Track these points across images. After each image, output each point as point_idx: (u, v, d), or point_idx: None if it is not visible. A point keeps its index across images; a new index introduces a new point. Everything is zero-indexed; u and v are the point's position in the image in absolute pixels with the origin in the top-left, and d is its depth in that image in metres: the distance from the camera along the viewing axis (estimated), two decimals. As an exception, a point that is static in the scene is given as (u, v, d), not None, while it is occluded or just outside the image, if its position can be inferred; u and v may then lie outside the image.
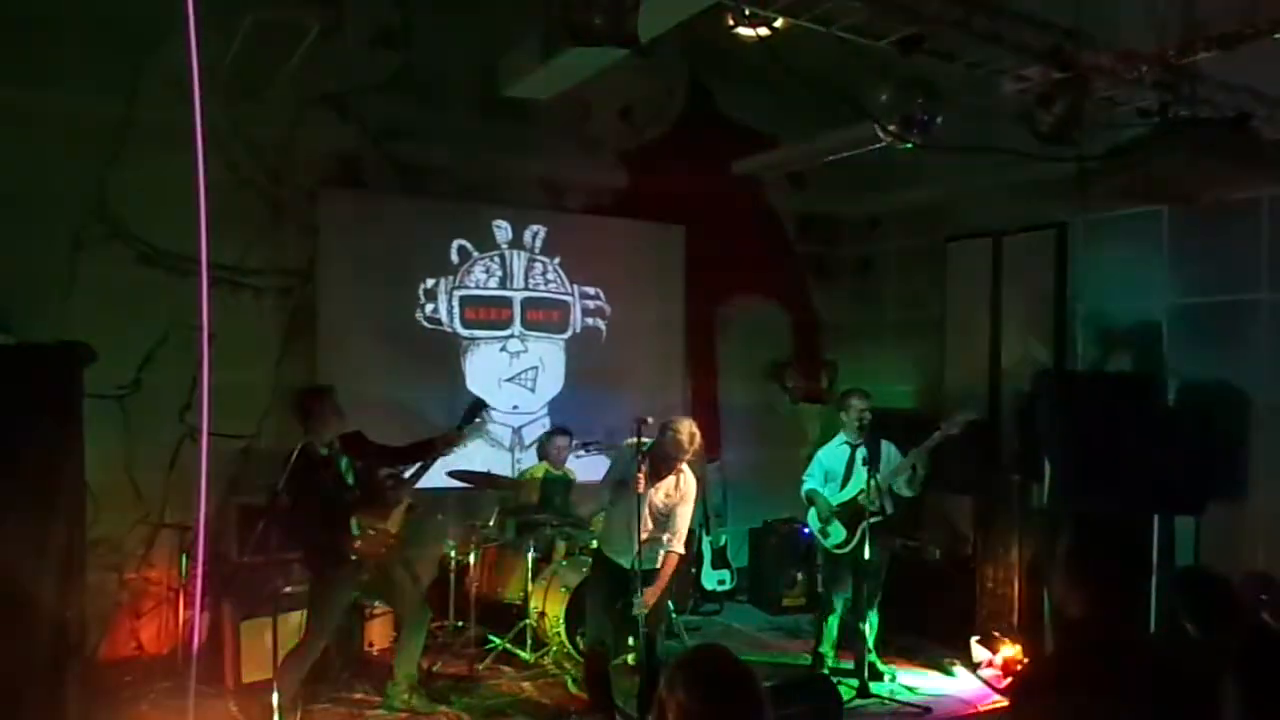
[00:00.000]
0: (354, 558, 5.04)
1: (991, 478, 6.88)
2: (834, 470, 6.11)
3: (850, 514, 5.96)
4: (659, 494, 5.10)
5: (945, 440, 5.82)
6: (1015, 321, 7.22)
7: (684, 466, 5.17)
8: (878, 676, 5.98)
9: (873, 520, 5.84)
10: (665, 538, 5.10)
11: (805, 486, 6.17)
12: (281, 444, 6.29)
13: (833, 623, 6.13)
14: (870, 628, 6.02)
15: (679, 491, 5.15)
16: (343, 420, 5.20)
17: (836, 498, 6.04)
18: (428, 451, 5.30)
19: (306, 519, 5.11)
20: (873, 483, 5.79)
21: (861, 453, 5.97)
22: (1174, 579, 3.58)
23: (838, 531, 6.00)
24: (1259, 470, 5.73)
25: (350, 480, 5.18)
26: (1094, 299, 6.71)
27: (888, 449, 6.02)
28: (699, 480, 5.38)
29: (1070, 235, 6.82)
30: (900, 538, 7.08)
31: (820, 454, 6.24)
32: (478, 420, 5.57)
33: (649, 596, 4.93)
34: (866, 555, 5.85)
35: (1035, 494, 6.32)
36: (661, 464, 5.04)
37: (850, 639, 6.09)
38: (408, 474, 5.26)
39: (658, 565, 5.08)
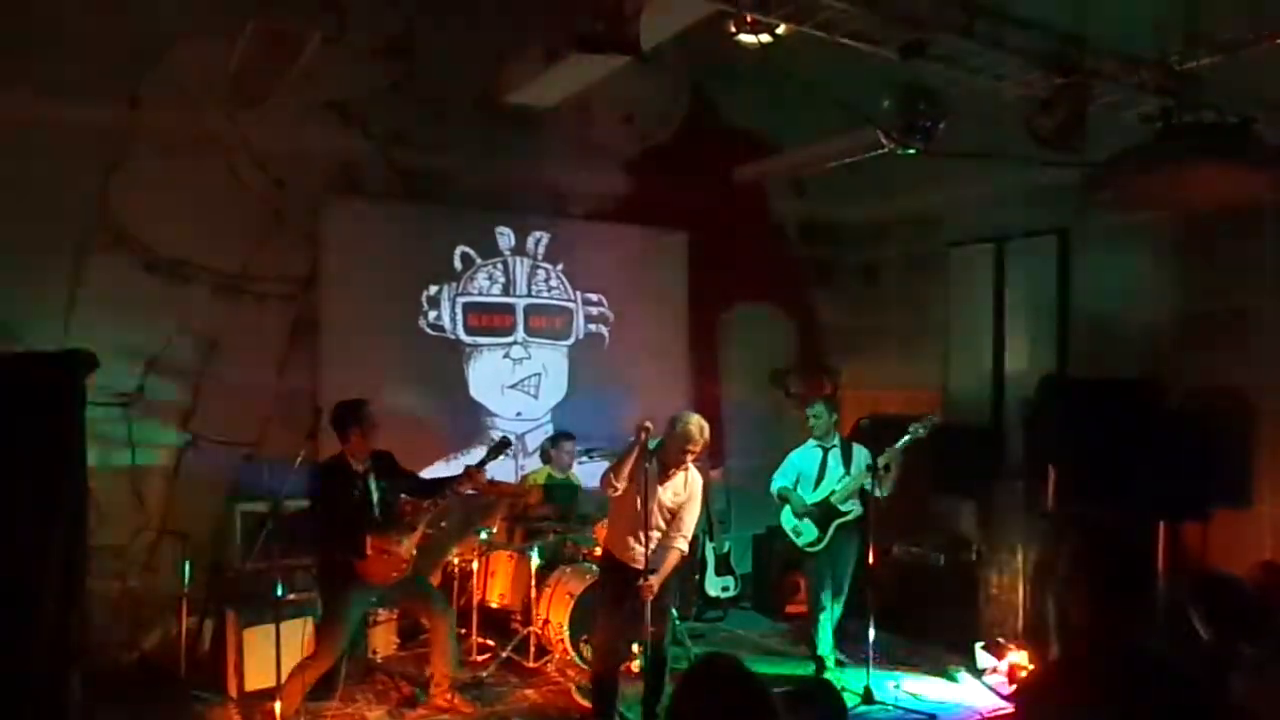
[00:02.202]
0: (363, 578, 5.07)
1: (996, 483, 6.86)
2: (806, 472, 6.30)
3: (822, 513, 6.18)
4: (667, 493, 5.11)
5: (914, 443, 5.97)
6: (1018, 328, 7.21)
7: (690, 465, 5.17)
8: (824, 667, 6.22)
9: (844, 519, 6.15)
10: (671, 535, 5.13)
11: (775, 485, 6.35)
12: (284, 451, 6.31)
13: (826, 623, 6.27)
14: (832, 616, 6.28)
15: (686, 490, 5.17)
16: (378, 435, 5.26)
17: (810, 497, 6.23)
18: (450, 486, 5.35)
19: (325, 531, 5.13)
20: (870, 476, 6.00)
21: (835, 455, 6.25)
22: (1191, 583, 3.56)
23: (809, 530, 6.21)
24: (1263, 475, 5.71)
25: (374, 499, 5.21)
26: (1097, 304, 6.70)
27: (860, 452, 6.24)
28: (703, 485, 5.39)
29: (1073, 241, 6.82)
30: (903, 543, 7.11)
31: (793, 455, 6.41)
32: (502, 458, 5.61)
33: (654, 581, 4.95)
34: (839, 549, 6.19)
35: (1040, 499, 6.31)
36: (671, 459, 5.03)
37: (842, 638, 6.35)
38: (426, 503, 5.29)
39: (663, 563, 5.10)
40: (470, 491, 5.55)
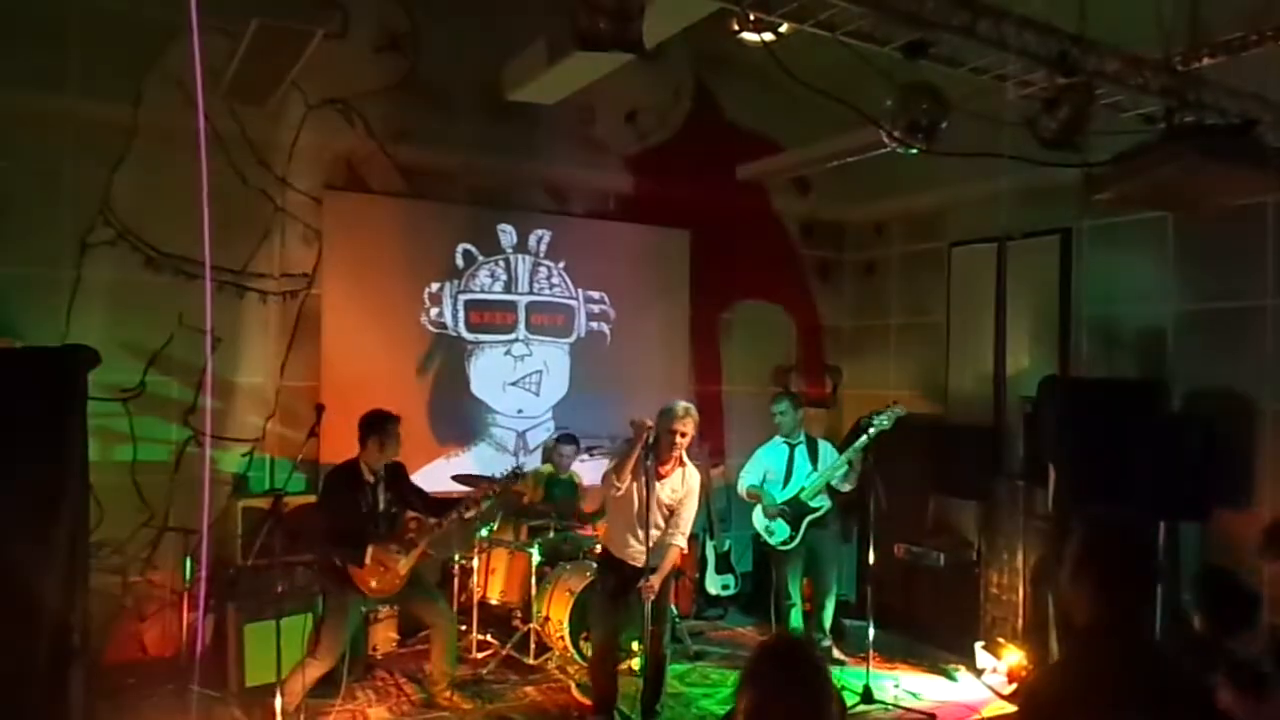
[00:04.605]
0: (359, 586, 5.10)
1: (996, 483, 6.86)
2: (774, 469, 6.38)
3: (793, 511, 6.27)
4: (665, 489, 5.11)
5: (879, 435, 5.99)
6: (1020, 328, 7.21)
7: (687, 460, 5.19)
8: (836, 664, 6.29)
9: (815, 515, 6.25)
10: (670, 532, 5.14)
11: (744, 484, 6.44)
12: (286, 448, 6.33)
13: (796, 615, 6.38)
14: (826, 617, 6.44)
15: (685, 485, 5.19)
16: (396, 451, 5.31)
17: (780, 495, 6.31)
18: (457, 509, 5.38)
19: (328, 534, 5.15)
20: (843, 470, 6.18)
21: (801, 451, 6.36)
22: (1199, 576, 3.57)
23: (782, 529, 6.31)
24: (1265, 476, 5.71)
25: (381, 510, 5.24)
26: (1099, 305, 6.70)
27: (824, 447, 6.38)
28: (703, 485, 5.40)
29: (1075, 241, 6.81)
30: (903, 543, 7.12)
31: (760, 453, 6.51)
32: (515, 487, 5.67)
33: (654, 581, 4.96)
34: (815, 546, 6.30)
35: (1040, 500, 6.31)
36: (664, 449, 5.04)
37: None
38: (431, 523, 5.31)
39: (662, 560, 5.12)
40: (473, 515, 5.58)
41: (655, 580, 4.97)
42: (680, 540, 5.17)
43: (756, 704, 2.23)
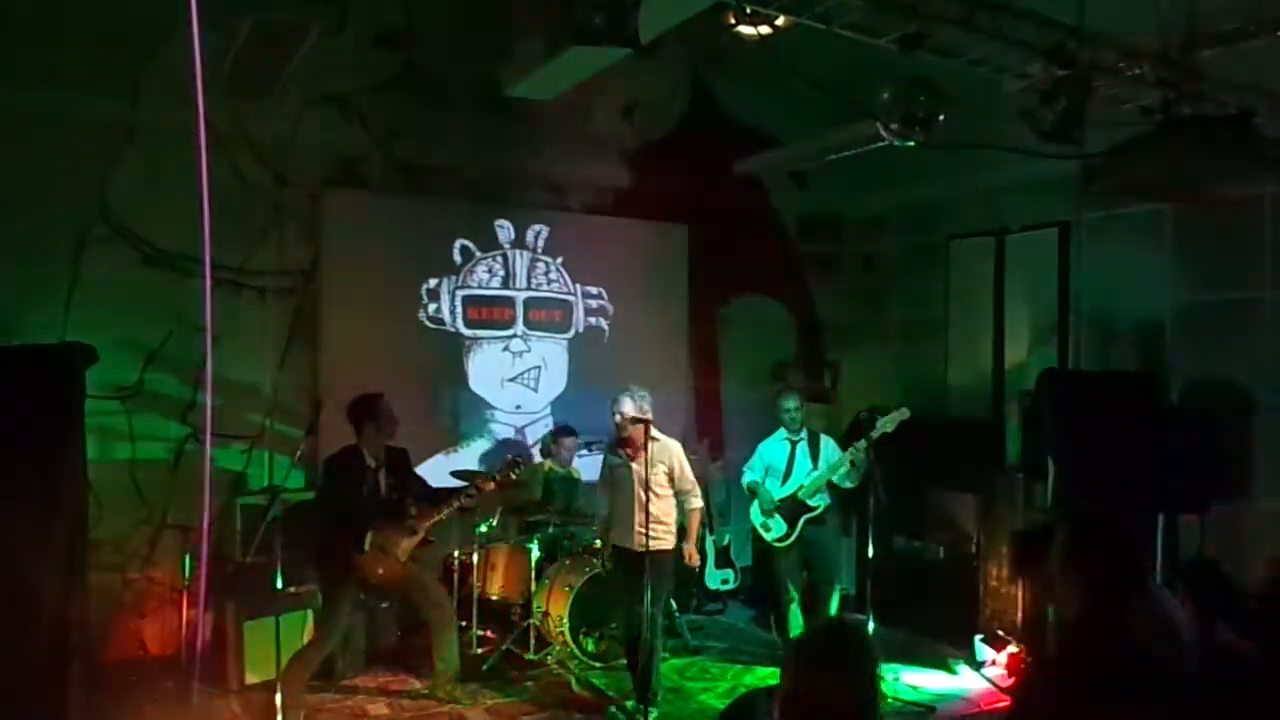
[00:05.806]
0: (358, 573, 5.10)
1: (995, 476, 6.86)
2: (775, 465, 6.35)
3: (790, 509, 6.20)
4: (642, 464, 5.21)
5: (881, 438, 5.98)
6: (1018, 321, 7.21)
7: (657, 434, 5.30)
8: None
9: (812, 514, 6.18)
10: (681, 498, 5.37)
11: (746, 478, 6.44)
12: (284, 445, 6.33)
13: (795, 611, 6.32)
14: (830, 612, 6.32)
15: (665, 454, 5.34)
16: (394, 430, 5.32)
17: (779, 492, 6.26)
18: (458, 498, 5.42)
19: (329, 520, 5.15)
20: (841, 469, 6.14)
21: (802, 448, 6.30)
22: (1186, 565, 3.56)
23: (779, 525, 6.25)
24: (1263, 469, 5.71)
25: (382, 495, 5.25)
26: (1097, 298, 6.70)
27: (826, 443, 6.33)
28: (701, 480, 5.47)
29: (1073, 234, 6.81)
30: (903, 536, 7.13)
31: (761, 448, 6.47)
32: (514, 476, 5.70)
33: (690, 548, 5.37)
34: (812, 544, 6.24)
35: (1039, 493, 6.31)
36: (626, 438, 5.25)
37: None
38: (433, 513, 5.32)
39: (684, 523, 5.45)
40: (474, 503, 5.60)
41: (690, 547, 5.33)
42: (695, 501, 5.42)
43: (794, 686, 2.15)
